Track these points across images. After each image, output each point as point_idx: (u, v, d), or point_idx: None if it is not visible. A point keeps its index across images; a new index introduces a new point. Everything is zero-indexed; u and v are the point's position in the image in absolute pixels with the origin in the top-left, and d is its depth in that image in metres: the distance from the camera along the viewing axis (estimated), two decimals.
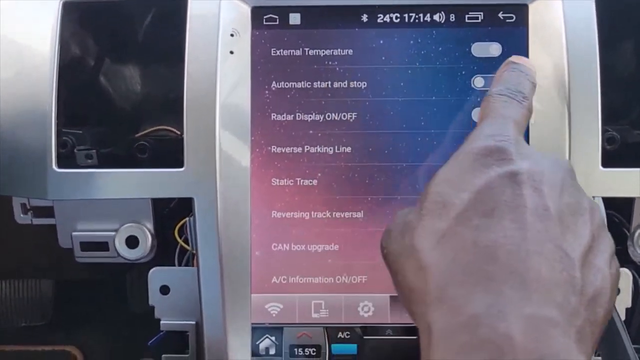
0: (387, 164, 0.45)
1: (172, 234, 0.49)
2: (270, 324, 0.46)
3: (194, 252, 0.46)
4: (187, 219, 0.47)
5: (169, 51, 0.47)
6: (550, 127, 0.44)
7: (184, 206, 0.47)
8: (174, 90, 0.46)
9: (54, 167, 0.46)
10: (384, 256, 0.30)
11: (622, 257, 0.48)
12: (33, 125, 0.47)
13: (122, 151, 0.48)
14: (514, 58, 0.36)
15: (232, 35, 0.45)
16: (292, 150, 0.45)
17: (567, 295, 0.25)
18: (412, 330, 0.45)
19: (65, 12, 0.48)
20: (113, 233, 0.49)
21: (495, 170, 0.28)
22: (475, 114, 0.45)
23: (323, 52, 0.45)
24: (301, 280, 0.45)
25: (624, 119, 0.48)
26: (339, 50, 0.45)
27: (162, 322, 0.48)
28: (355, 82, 0.45)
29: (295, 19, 0.46)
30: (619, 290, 0.47)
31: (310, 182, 0.45)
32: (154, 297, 0.48)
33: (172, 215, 0.50)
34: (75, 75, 0.49)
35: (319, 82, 0.45)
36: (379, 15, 0.45)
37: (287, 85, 0.45)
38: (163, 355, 0.49)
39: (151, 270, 0.49)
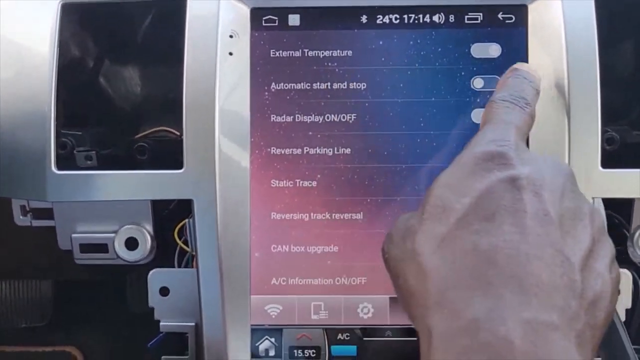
0: (386, 165, 0.45)
1: (172, 235, 0.49)
2: (269, 325, 0.46)
3: (194, 253, 0.46)
4: (186, 220, 0.47)
5: (168, 52, 0.47)
6: (550, 128, 0.44)
7: (184, 208, 0.47)
8: (173, 92, 0.46)
9: (53, 168, 0.46)
10: (385, 261, 0.31)
11: (622, 257, 0.48)
12: (32, 126, 0.47)
13: (122, 152, 0.48)
14: (519, 65, 0.37)
15: (231, 36, 0.45)
16: (292, 151, 0.45)
17: (568, 299, 0.25)
18: (411, 332, 0.45)
19: (64, 13, 0.48)
20: (112, 235, 0.49)
21: (496, 175, 0.28)
22: (475, 115, 0.45)
23: (322, 53, 0.45)
24: (301, 281, 0.45)
25: (623, 120, 0.48)
26: (338, 51, 0.45)
27: (161, 323, 0.48)
28: (354, 83, 0.45)
29: (294, 20, 0.46)
30: (619, 292, 0.47)
31: (310, 184, 0.45)
32: (153, 298, 0.48)
33: (171, 216, 0.50)
34: (74, 76, 0.49)
35: (318, 84, 0.45)
36: (378, 16, 0.45)
37: (286, 86, 0.45)
38: (163, 357, 0.49)
39: (151, 272, 0.49)
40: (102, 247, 0.49)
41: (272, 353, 0.46)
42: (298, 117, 0.45)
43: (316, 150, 0.45)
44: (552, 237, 0.26)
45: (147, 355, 0.49)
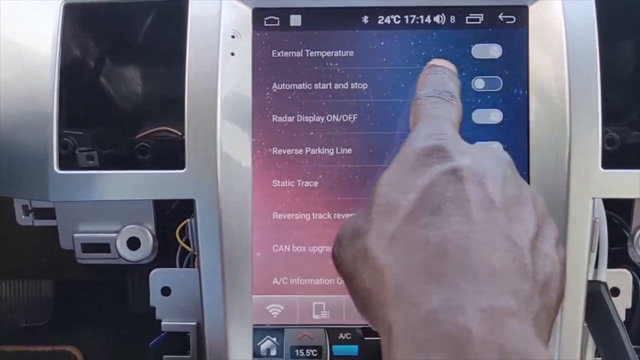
0: (387, 166, 0.45)
1: (174, 235, 0.49)
2: (271, 325, 0.46)
3: (195, 253, 0.46)
4: (188, 220, 0.47)
5: (169, 52, 0.47)
6: (550, 128, 0.44)
7: (185, 207, 0.47)
8: (175, 92, 0.46)
9: (55, 168, 0.46)
10: (337, 265, 0.30)
11: (622, 257, 0.48)
12: (34, 126, 0.47)
13: (124, 152, 0.48)
14: (434, 61, 0.37)
15: (233, 36, 0.45)
16: (293, 151, 0.45)
17: (521, 283, 0.25)
18: None
19: (66, 13, 0.48)
20: (114, 234, 0.49)
21: (437, 168, 0.28)
22: (475, 115, 0.45)
23: (324, 53, 0.45)
24: (302, 281, 0.45)
25: (623, 120, 0.48)
26: (339, 51, 0.45)
27: (163, 323, 0.48)
28: (356, 84, 0.45)
29: (296, 20, 0.46)
30: (616, 290, 0.47)
31: (311, 184, 0.45)
32: (155, 298, 0.49)
33: (173, 216, 0.50)
34: (76, 76, 0.49)
35: (319, 84, 0.45)
36: (379, 17, 0.45)
37: (288, 86, 0.45)
38: (164, 356, 0.49)
39: (152, 272, 0.49)
40: (104, 247, 0.49)
41: (273, 353, 0.46)
42: (299, 117, 0.45)
43: (318, 151, 0.45)
44: (499, 224, 0.27)
45: (147, 354, 0.49)
